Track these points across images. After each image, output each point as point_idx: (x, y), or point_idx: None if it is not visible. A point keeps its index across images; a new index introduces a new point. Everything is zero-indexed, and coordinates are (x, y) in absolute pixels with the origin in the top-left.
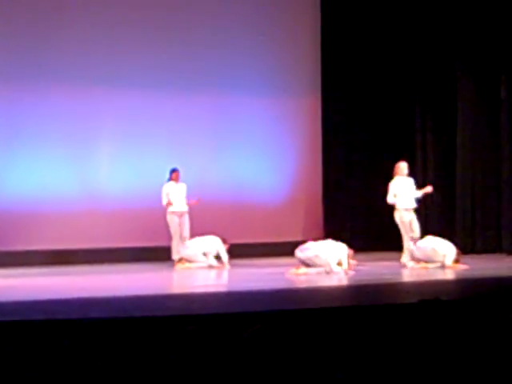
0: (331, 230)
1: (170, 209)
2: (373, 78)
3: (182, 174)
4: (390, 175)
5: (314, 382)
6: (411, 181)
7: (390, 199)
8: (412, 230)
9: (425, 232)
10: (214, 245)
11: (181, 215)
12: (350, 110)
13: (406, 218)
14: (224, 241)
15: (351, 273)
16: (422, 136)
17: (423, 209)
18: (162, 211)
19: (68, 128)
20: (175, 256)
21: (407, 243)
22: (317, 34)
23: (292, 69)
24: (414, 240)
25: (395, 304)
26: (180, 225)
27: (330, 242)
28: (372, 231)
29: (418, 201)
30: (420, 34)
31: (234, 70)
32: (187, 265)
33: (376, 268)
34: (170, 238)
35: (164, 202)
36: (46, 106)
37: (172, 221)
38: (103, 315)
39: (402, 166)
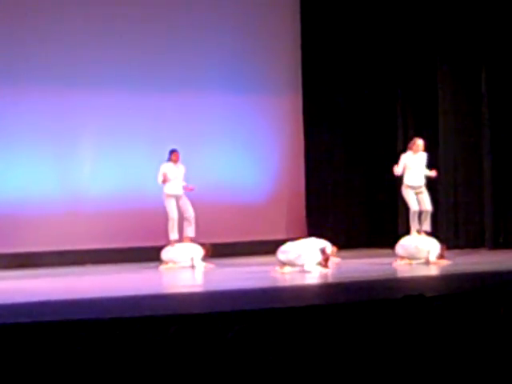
0: (314, 227)
1: (167, 191)
2: (353, 75)
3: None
4: (372, 171)
5: (300, 381)
6: (423, 157)
7: (398, 170)
8: (420, 204)
9: (407, 229)
10: (194, 251)
11: (178, 198)
12: (331, 107)
13: (409, 194)
14: (203, 246)
15: (331, 271)
16: (404, 132)
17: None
18: (147, 211)
19: (49, 127)
20: (173, 237)
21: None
22: (297, 30)
23: (273, 66)
24: (423, 212)
25: (379, 300)
26: (181, 206)
27: (312, 240)
28: (355, 228)
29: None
30: (400, 28)
31: (215, 69)
32: (171, 265)
33: (359, 265)
34: (154, 238)
35: (159, 180)
36: (26, 105)
37: (169, 204)
38: (87, 317)
39: (419, 143)
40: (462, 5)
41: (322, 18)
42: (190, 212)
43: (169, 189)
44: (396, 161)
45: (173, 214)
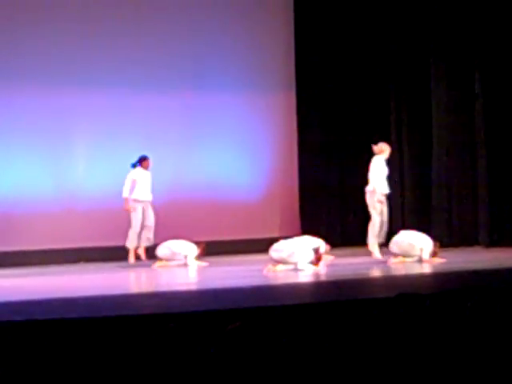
0: (308, 225)
1: (135, 196)
2: (347, 74)
3: (157, 171)
4: (366, 171)
5: (294, 378)
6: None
7: (374, 179)
8: (383, 214)
9: (401, 225)
10: (188, 249)
11: (146, 204)
12: (325, 106)
13: (381, 203)
14: (198, 244)
15: (324, 270)
16: (397, 130)
17: (400, 201)
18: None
19: (43, 126)
20: (132, 245)
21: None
22: (290, 29)
23: (266, 64)
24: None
25: (373, 298)
26: (143, 213)
27: (305, 239)
28: (349, 226)
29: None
30: (394, 26)
31: (208, 67)
32: (164, 263)
33: (353, 263)
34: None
35: (127, 188)
36: (20, 104)
37: (136, 211)
38: (80, 315)
39: (388, 149)
40: (456, 2)
41: (316, 16)
42: (151, 221)
43: (138, 194)
44: (389, 162)
45: (137, 222)
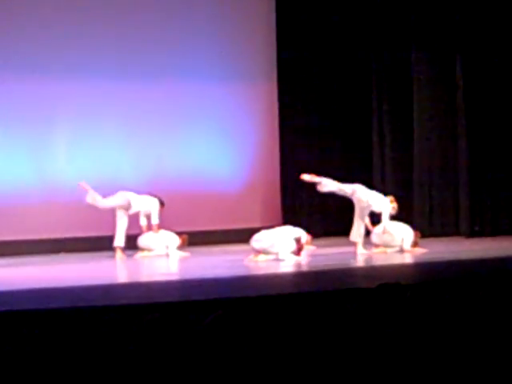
0: (289, 215)
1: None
2: (328, 63)
3: (139, 161)
4: (347, 159)
5: (275, 370)
6: None
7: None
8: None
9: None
10: (170, 239)
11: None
12: (306, 96)
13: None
14: (180, 236)
15: (306, 260)
16: (379, 121)
17: (381, 191)
18: None
19: (23, 116)
20: (122, 243)
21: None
22: (272, 17)
23: (247, 53)
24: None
25: (354, 289)
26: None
27: (287, 229)
28: (330, 216)
29: None
30: (375, 15)
31: (190, 56)
32: (146, 253)
33: (334, 253)
34: (129, 226)
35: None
36: None
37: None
38: (61, 305)
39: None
40: None
41: (297, 5)
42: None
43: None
44: (371, 150)
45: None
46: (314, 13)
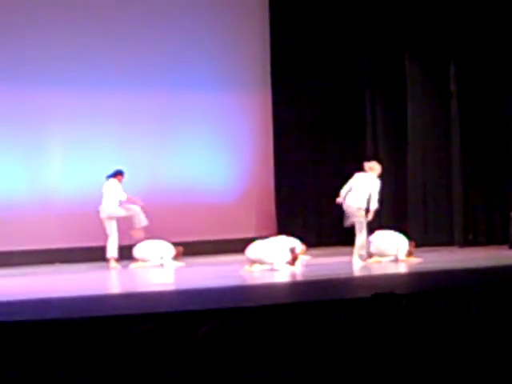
0: (284, 225)
1: (118, 210)
2: (322, 71)
3: (134, 172)
4: (341, 170)
5: (270, 379)
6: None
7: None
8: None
9: (378, 225)
10: (165, 250)
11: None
12: (301, 107)
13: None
14: (175, 246)
15: (301, 270)
16: (373, 129)
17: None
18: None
19: (18, 128)
20: (115, 254)
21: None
22: (265, 25)
23: (241, 63)
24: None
25: (349, 299)
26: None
27: (281, 239)
28: (325, 226)
29: None
30: (370, 20)
31: (184, 67)
32: (141, 263)
33: (329, 263)
34: (124, 237)
35: (125, 197)
36: None
37: (115, 222)
38: (56, 316)
39: (379, 168)
40: None
41: (291, 12)
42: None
43: (117, 208)
44: (362, 159)
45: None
46: (308, 19)
